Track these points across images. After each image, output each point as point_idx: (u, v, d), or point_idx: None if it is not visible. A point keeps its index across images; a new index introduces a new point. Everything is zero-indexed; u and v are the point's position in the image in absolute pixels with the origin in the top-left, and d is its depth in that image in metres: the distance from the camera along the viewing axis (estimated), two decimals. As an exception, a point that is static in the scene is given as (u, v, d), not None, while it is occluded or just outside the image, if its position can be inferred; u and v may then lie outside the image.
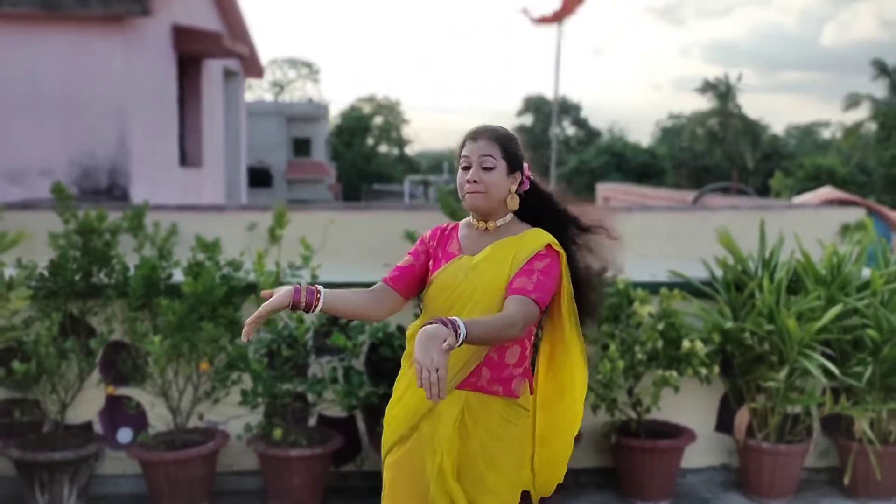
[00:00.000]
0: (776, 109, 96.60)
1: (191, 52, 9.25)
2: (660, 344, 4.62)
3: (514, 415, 2.51)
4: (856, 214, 5.48)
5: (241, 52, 9.93)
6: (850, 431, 4.77)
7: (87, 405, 4.84)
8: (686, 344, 4.56)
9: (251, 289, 4.69)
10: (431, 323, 2.11)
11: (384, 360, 4.72)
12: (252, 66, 12.06)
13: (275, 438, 4.52)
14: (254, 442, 4.60)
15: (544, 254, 2.43)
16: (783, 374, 4.55)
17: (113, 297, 4.61)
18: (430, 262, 2.56)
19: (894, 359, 4.44)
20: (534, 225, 2.53)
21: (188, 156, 9.73)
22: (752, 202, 8.17)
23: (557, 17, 9.19)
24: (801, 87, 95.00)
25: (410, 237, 4.83)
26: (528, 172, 2.54)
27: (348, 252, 5.09)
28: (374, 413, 4.85)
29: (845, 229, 5.27)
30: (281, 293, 2.37)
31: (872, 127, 47.27)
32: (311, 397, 4.79)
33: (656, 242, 5.40)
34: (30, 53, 7.74)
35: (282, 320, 4.66)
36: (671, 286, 4.83)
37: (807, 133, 63.47)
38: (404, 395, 2.56)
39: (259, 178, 36.91)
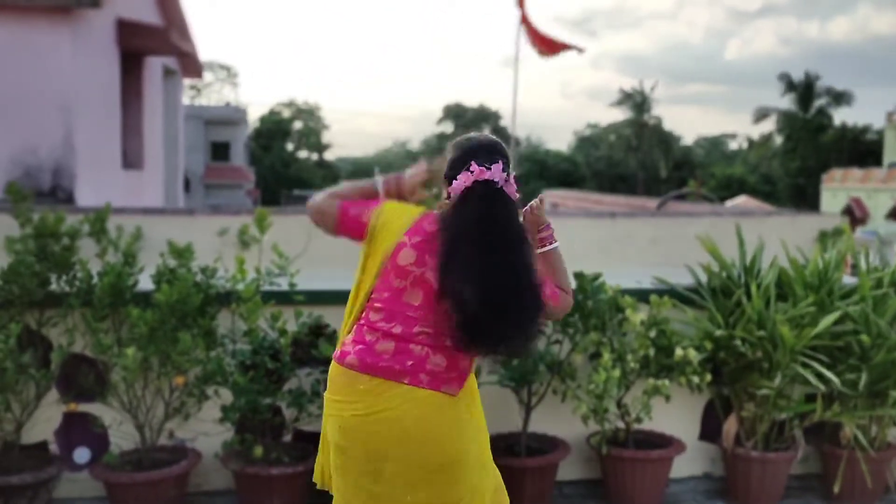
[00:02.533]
0: (683, 120, 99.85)
1: (134, 48, 8.77)
2: (651, 352, 4.54)
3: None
4: (832, 221, 5.54)
5: (185, 48, 9.50)
6: (835, 438, 4.79)
7: (44, 424, 4.46)
8: (679, 352, 4.49)
9: (227, 297, 4.40)
10: None
11: (368, 371, 4.49)
12: (191, 66, 11.57)
13: (255, 456, 4.24)
14: (230, 460, 4.30)
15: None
16: (777, 381, 4.52)
17: (75, 307, 4.26)
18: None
19: (884, 365, 4.47)
20: None
21: (129, 157, 9.22)
22: (730, 209, 8.26)
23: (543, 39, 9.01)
24: (707, 98, 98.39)
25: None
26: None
27: (327, 258, 4.83)
28: (355, 427, 4.61)
29: (823, 236, 5.32)
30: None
31: (779, 139, 49.33)
32: (288, 412, 4.52)
33: (638, 248, 5.33)
34: (-32, 46, 7.18)
35: (262, 331, 4.39)
36: (659, 293, 4.76)
37: (714, 144, 65.72)
38: None
39: (176, 182, 36.04)
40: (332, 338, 4.42)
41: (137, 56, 9.12)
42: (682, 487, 5.03)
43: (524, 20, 8.56)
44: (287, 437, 4.67)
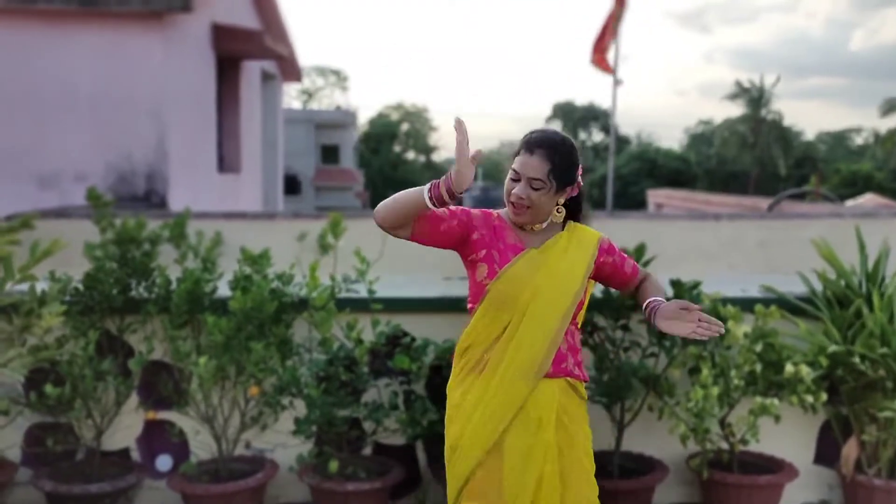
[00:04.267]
0: (804, 116, 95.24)
1: (230, 52, 8.86)
2: (758, 367, 4.13)
3: (582, 405, 2.54)
4: (970, 222, 4.97)
5: (282, 52, 9.54)
6: (973, 467, 4.25)
7: (125, 431, 4.44)
8: (790, 368, 4.07)
9: (303, 305, 4.26)
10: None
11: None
12: (290, 70, 11.66)
13: (330, 471, 4.08)
14: (306, 473, 4.16)
15: (608, 244, 2.58)
16: (899, 402, 4.04)
17: (154, 313, 4.21)
18: (472, 238, 2.46)
19: None
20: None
21: (226, 161, 9.33)
22: (853, 209, 7.64)
23: (605, 50, 8.76)
24: (829, 92, 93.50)
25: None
26: (579, 181, 2.51)
27: (405, 264, 4.65)
28: (436, 441, 4.40)
29: (958, 239, 4.75)
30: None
31: (910, 133, 46.35)
32: (368, 425, 4.35)
33: (744, 253, 4.90)
34: (64, 52, 7.37)
35: (337, 340, 4.23)
36: (766, 302, 4.34)
37: (838, 139, 62.42)
38: (480, 404, 2.40)
39: (288, 185, 36.84)
40: (409, 348, 4.21)
41: (234, 60, 9.23)
42: (794, 515, 4.58)
43: (610, 20, 8.28)
44: (367, 451, 4.51)
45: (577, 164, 2.48)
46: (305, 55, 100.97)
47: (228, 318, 4.07)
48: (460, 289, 4.52)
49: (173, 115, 7.40)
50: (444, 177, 2.31)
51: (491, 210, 2.57)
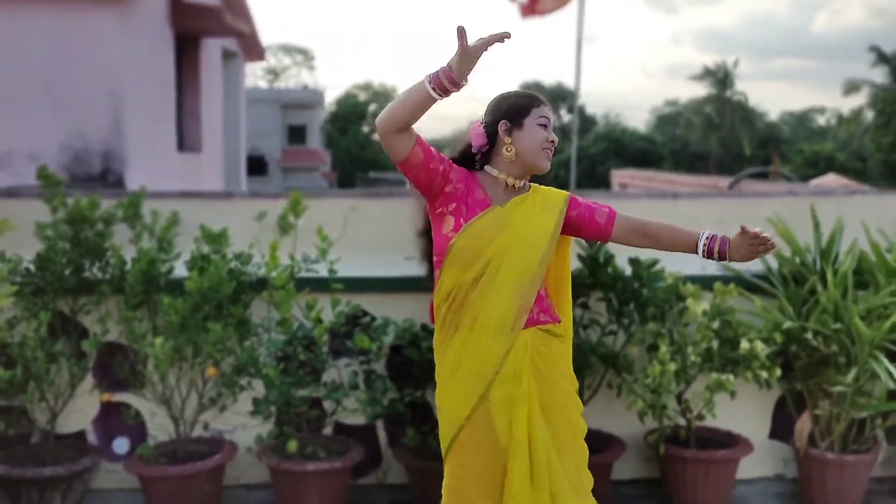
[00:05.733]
0: (769, 97, 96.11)
1: (189, 30, 8.68)
2: (714, 344, 4.18)
3: (562, 342, 2.58)
4: (922, 200, 5.03)
5: (243, 29, 9.38)
6: (923, 440, 4.34)
7: (80, 413, 4.38)
8: (745, 344, 4.12)
9: (262, 285, 4.23)
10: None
11: (409, 362, 4.26)
12: (252, 48, 11.47)
13: (289, 451, 4.07)
14: (265, 454, 4.14)
15: (572, 198, 2.58)
16: (851, 377, 4.11)
17: (108, 294, 4.15)
18: (446, 190, 2.46)
19: (980, 361, 4.01)
20: None
21: (186, 140, 9.17)
22: (810, 188, 7.72)
23: (542, 10, 8.64)
24: (794, 74, 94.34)
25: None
26: None
27: (367, 243, 4.62)
28: (397, 421, 4.40)
29: (910, 217, 4.83)
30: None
31: (870, 114, 46.95)
32: (328, 405, 4.34)
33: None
34: (18, 29, 7.16)
35: (297, 320, 4.20)
36: (724, 280, 4.39)
37: (801, 120, 63.11)
38: (460, 364, 2.46)
39: (254, 165, 36.44)
40: (368, 328, 4.20)
41: (194, 37, 9.05)
42: (751, 489, 4.66)
43: None
44: (328, 431, 4.50)
45: None
46: (271, 34, 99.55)
47: (185, 298, 4.02)
48: (422, 269, 4.50)
49: (130, 94, 7.24)
50: (442, 67, 2.24)
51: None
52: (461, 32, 2.17)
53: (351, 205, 4.65)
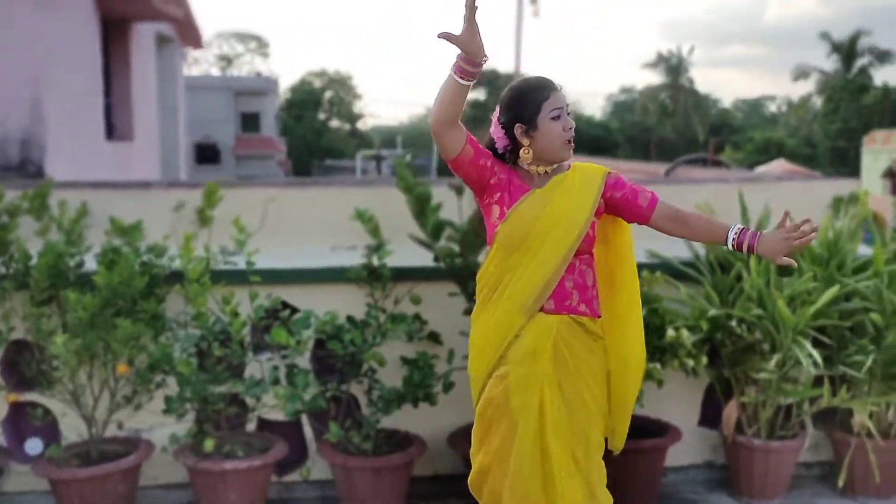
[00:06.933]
0: (723, 83, 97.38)
1: (116, 14, 8.38)
2: (641, 333, 4.13)
3: (592, 338, 2.59)
4: (848, 186, 5.04)
5: (175, 14, 9.11)
6: (848, 424, 4.34)
7: (-13, 415, 4.19)
8: (671, 333, 4.07)
9: (176, 278, 4.07)
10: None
11: (332, 356, 4.15)
12: (189, 33, 11.18)
13: (206, 449, 3.93)
14: (182, 454, 4.00)
15: (615, 178, 2.60)
16: (773, 363, 4.09)
17: (11, 290, 3.96)
18: (491, 182, 2.54)
19: (899, 346, 4.01)
20: None
21: (116, 128, 8.88)
22: (740, 174, 7.74)
23: None
24: (748, 61, 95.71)
25: (361, 216, 4.24)
26: None
27: (292, 234, 4.50)
28: (321, 415, 4.29)
29: (837, 202, 4.82)
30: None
31: (819, 102, 47.69)
32: (249, 401, 4.21)
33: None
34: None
35: (213, 314, 4.06)
36: (652, 268, 4.34)
37: (753, 107, 63.98)
38: (482, 339, 2.58)
39: (206, 154, 35.90)
40: (287, 322, 4.07)
41: (122, 22, 8.76)
42: (680, 477, 4.65)
43: None
44: (251, 427, 4.37)
45: None
46: (223, 20, 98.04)
47: (94, 294, 3.86)
48: (348, 259, 4.39)
49: (52, 79, 6.96)
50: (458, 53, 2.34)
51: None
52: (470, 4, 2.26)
53: (271, 194, 4.52)
